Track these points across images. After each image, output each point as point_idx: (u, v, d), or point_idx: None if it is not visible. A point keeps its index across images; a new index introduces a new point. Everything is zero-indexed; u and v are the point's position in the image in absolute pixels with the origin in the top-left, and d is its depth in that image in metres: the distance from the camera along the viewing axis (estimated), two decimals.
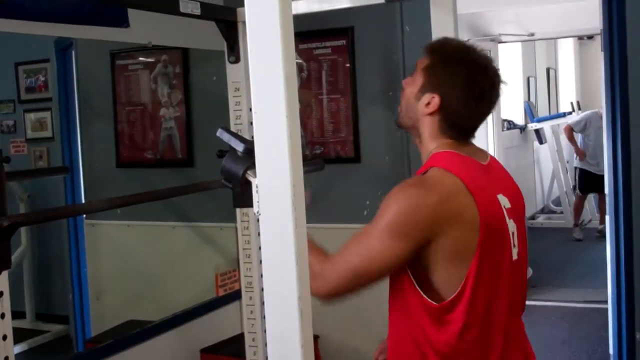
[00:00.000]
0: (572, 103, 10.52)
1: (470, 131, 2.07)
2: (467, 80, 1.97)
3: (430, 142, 2.03)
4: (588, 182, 8.82)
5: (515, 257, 2.00)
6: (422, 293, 1.89)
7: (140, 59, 4.67)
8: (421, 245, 1.83)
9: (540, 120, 10.06)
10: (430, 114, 1.99)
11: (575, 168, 9.15)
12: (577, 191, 9.18)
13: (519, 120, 10.06)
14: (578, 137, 9.03)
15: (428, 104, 1.99)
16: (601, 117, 8.57)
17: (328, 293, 1.87)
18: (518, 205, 2.07)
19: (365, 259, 1.84)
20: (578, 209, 9.13)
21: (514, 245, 1.99)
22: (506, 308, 1.98)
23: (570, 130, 9.02)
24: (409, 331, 1.96)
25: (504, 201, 1.99)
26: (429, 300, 1.88)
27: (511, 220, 1.99)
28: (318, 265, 1.83)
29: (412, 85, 2.05)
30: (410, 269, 1.90)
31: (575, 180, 9.31)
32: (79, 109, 4.83)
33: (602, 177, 8.50)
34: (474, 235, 1.85)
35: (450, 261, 1.86)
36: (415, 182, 1.95)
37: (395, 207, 1.84)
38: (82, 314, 4.48)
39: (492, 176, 2.03)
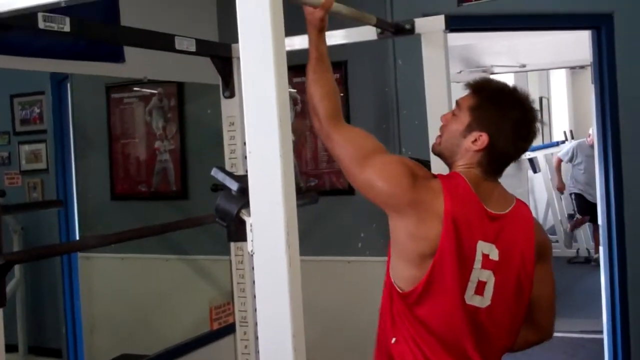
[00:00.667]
0: (565, 132, 10.57)
1: (504, 168, 2.18)
2: (516, 121, 2.09)
3: (459, 167, 2.13)
4: (585, 206, 8.89)
5: (477, 304, 2.07)
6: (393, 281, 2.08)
7: (136, 91, 4.69)
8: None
9: (533, 150, 10.09)
10: (476, 151, 2.09)
11: (571, 194, 9.19)
12: (577, 215, 9.21)
13: None
14: (569, 167, 9.08)
15: (475, 141, 2.08)
16: (590, 146, 8.70)
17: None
18: (513, 263, 2.13)
19: (350, 168, 2.11)
20: (575, 228, 9.19)
21: (478, 293, 2.07)
22: (467, 349, 2.08)
23: (559, 162, 9.11)
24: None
25: (488, 249, 2.06)
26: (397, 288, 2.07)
27: (487, 272, 2.07)
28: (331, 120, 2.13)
29: (456, 123, 2.14)
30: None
31: (573, 206, 9.33)
32: (74, 141, 4.84)
33: (595, 205, 8.63)
34: (428, 256, 2.00)
35: (404, 252, 2.04)
36: (416, 168, 2.09)
37: (387, 172, 2.05)
38: (75, 347, 4.45)
39: (491, 224, 2.09)
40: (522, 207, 2.21)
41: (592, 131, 4.39)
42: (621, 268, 4.13)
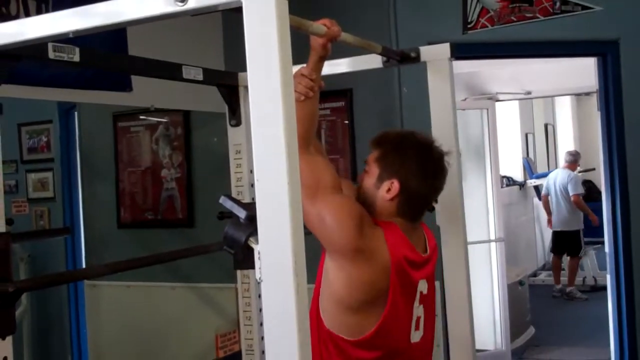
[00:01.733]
0: None
1: (424, 210, 2.25)
2: (420, 160, 2.16)
3: (381, 217, 2.16)
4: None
5: (415, 339, 2.17)
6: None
7: (142, 120, 4.72)
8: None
9: (539, 177, 10.09)
10: (391, 198, 2.14)
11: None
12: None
13: (518, 176, 10.09)
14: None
15: (389, 190, 2.14)
16: (557, 176, 8.74)
17: None
18: (432, 291, 2.24)
19: (304, 202, 2.07)
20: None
21: (416, 329, 2.16)
22: None
23: (546, 199, 9.14)
24: None
25: (421, 287, 2.16)
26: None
27: (421, 306, 2.16)
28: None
29: (368, 177, 2.21)
30: None
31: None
32: (81, 169, 4.87)
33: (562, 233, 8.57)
34: (375, 305, 2.04)
35: (347, 301, 2.05)
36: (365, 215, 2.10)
37: (336, 217, 2.04)
38: None
39: (423, 264, 2.18)
40: (429, 234, 2.31)
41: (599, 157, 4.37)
42: (629, 296, 4.11)
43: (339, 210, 2.03)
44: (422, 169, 2.15)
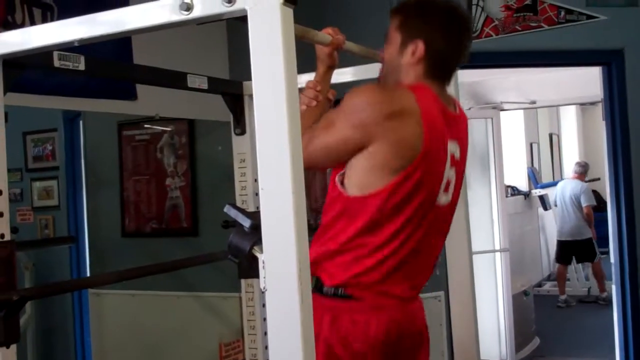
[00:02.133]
0: None
1: (453, 69, 2.21)
2: (443, 19, 2.13)
3: (410, 83, 2.13)
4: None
5: (442, 202, 2.13)
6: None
7: (147, 128, 4.72)
8: (368, 139, 1.98)
9: (544, 186, 10.08)
10: (417, 61, 2.11)
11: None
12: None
13: (523, 186, 10.07)
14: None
15: (413, 53, 2.11)
16: (565, 186, 8.78)
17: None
18: (464, 158, 2.22)
19: (330, 141, 2.04)
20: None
21: (445, 192, 2.13)
22: (428, 243, 2.15)
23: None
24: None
25: (453, 148, 2.13)
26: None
27: (452, 169, 2.13)
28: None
29: (391, 46, 2.18)
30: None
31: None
32: (86, 177, 4.87)
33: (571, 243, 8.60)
34: (406, 160, 1.99)
35: (380, 168, 2.00)
36: (380, 86, 2.13)
37: (353, 100, 2.01)
38: None
39: (453, 123, 2.15)
40: (462, 111, 2.29)
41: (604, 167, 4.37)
42: (634, 307, 4.10)
43: (357, 98, 2.02)
44: (447, 27, 2.12)
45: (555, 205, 9.19)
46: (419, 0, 2.21)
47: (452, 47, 2.14)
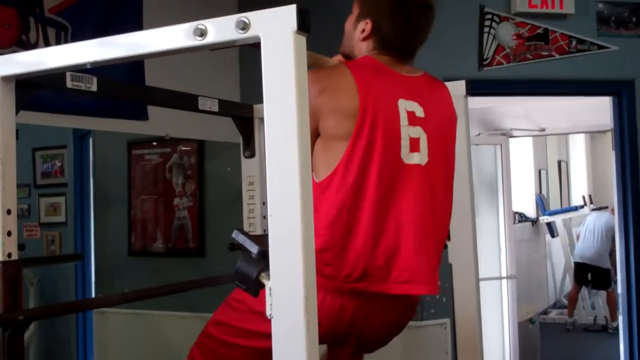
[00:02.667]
0: (583, 197, 10.52)
1: (402, 51, 2.23)
2: (394, 3, 2.18)
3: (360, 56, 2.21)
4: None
5: (415, 161, 2.10)
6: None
7: (156, 148, 4.73)
8: (314, 119, 1.99)
9: (552, 214, 10.05)
10: (365, 38, 2.20)
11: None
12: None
13: (531, 213, 10.05)
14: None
15: (363, 30, 2.20)
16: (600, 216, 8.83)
17: None
18: (439, 119, 2.21)
19: None
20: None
21: (415, 150, 2.10)
22: (413, 207, 2.08)
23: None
24: None
25: (410, 106, 2.11)
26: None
27: (416, 128, 2.11)
28: None
29: (349, 20, 2.27)
30: None
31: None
32: (94, 195, 4.88)
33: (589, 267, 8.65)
34: (350, 122, 2.00)
35: (329, 143, 2.03)
36: (315, 70, 2.17)
37: None
38: None
39: (408, 84, 2.17)
40: (433, 79, 2.29)
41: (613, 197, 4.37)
42: None
43: None
44: (395, 13, 2.17)
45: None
46: None
47: (396, 32, 2.19)
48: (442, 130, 2.21)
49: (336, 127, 2.02)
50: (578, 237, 9.38)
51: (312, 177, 2.01)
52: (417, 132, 2.12)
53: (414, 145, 2.10)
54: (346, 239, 2.01)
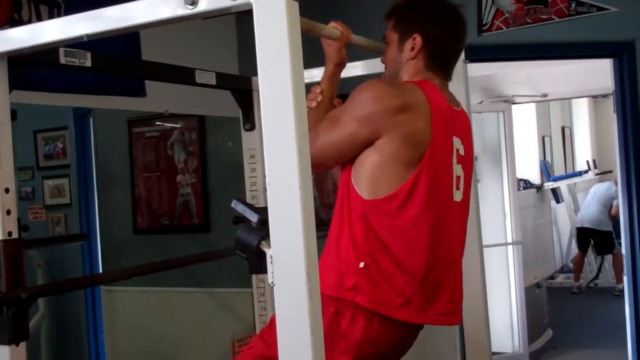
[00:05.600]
0: (587, 161, 10.49)
1: (453, 60, 2.22)
2: (435, 9, 2.16)
3: (412, 78, 2.14)
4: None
5: (457, 198, 2.13)
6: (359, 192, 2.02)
7: (157, 125, 4.72)
8: (376, 133, 1.96)
9: (556, 179, 10.03)
10: (416, 55, 2.14)
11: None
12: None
13: (535, 179, 10.02)
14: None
15: (412, 48, 2.14)
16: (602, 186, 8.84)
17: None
18: (470, 156, 2.22)
19: (334, 138, 2.02)
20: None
21: (457, 188, 2.12)
22: (453, 242, 2.13)
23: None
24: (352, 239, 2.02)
25: (457, 144, 2.12)
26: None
27: (459, 166, 2.12)
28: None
29: (390, 47, 2.21)
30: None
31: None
32: (97, 175, 4.88)
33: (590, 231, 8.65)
34: (416, 151, 1.97)
35: (386, 163, 1.98)
36: (387, 81, 2.14)
37: (360, 95, 2.00)
38: None
39: (456, 119, 2.15)
40: (463, 109, 2.27)
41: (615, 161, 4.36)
42: None
43: (363, 92, 2.01)
44: (440, 17, 2.15)
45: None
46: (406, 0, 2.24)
47: (448, 34, 2.17)
48: (470, 167, 2.23)
49: (400, 153, 1.97)
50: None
51: (353, 187, 2.03)
52: (460, 170, 2.14)
53: (458, 183, 2.13)
54: (396, 265, 2.00)
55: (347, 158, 2.05)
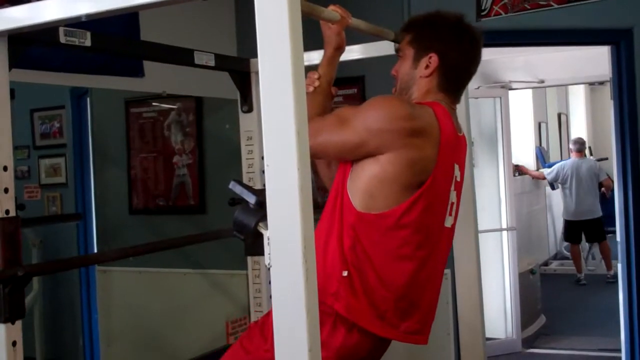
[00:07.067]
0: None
1: (466, 82, 2.23)
2: (454, 31, 2.14)
3: (423, 97, 2.13)
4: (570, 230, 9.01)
5: (448, 224, 2.14)
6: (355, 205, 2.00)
7: (154, 106, 4.72)
8: (383, 148, 1.94)
9: (552, 166, 10.06)
10: (430, 74, 2.12)
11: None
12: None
13: (531, 165, 10.05)
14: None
15: (427, 66, 2.12)
16: (580, 165, 8.70)
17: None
18: (462, 182, 2.21)
19: (340, 139, 2.00)
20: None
21: (450, 214, 2.13)
22: (436, 265, 2.13)
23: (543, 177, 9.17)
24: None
25: (457, 171, 2.13)
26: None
27: (455, 192, 2.13)
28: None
29: (404, 61, 2.18)
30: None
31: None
32: (93, 155, 4.88)
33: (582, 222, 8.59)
34: (418, 176, 1.97)
35: (385, 180, 1.96)
36: (405, 100, 2.09)
37: (376, 107, 1.99)
38: None
39: (458, 146, 2.16)
40: (463, 133, 2.27)
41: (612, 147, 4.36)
42: (639, 285, 4.10)
43: (381, 105, 2.00)
44: (459, 39, 2.13)
45: (564, 184, 9.11)
46: (429, 14, 2.22)
47: (465, 58, 2.16)
48: (461, 191, 2.23)
49: (402, 176, 1.97)
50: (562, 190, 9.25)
51: (347, 195, 2.02)
52: (455, 196, 2.15)
53: (451, 209, 2.14)
54: (378, 280, 2.01)
55: (345, 160, 2.06)
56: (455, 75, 2.16)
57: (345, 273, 1.99)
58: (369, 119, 1.96)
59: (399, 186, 1.97)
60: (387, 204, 1.97)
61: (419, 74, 2.13)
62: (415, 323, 2.08)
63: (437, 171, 1.99)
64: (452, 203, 2.13)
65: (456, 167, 2.13)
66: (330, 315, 1.97)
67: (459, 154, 2.17)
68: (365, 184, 1.99)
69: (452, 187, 2.11)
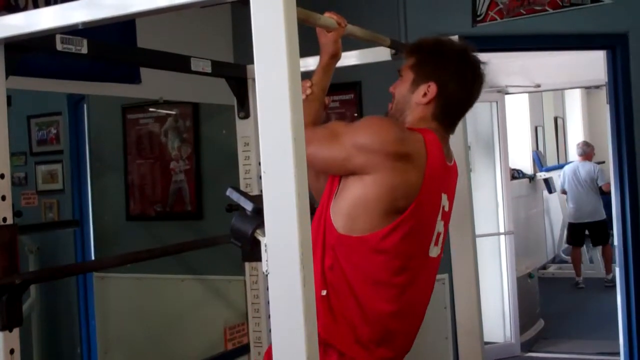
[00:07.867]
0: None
1: (461, 115, 2.21)
2: (458, 64, 2.12)
3: (417, 123, 2.11)
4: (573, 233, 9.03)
5: (433, 254, 2.12)
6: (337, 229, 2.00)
7: (151, 112, 4.72)
8: (369, 168, 1.94)
9: (549, 170, 10.08)
10: (427, 102, 2.10)
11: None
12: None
13: (528, 169, 10.07)
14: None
15: (425, 94, 2.10)
16: (577, 168, 8.72)
17: None
18: (451, 212, 2.19)
19: (328, 153, 2.00)
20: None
21: (435, 244, 2.11)
22: (419, 296, 2.13)
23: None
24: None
25: (444, 201, 2.11)
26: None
27: (441, 222, 2.11)
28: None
29: (403, 84, 2.16)
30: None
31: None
32: (90, 161, 4.87)
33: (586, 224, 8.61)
34: (400, 202, 1.95)
35: (373, 204, 1.95)
36: (397, 124, 2.07)
37: (368, 127, 1.99)
38: None
39: (447, 175, 2.14)
40: (455, 163, 2.25)
41: (608, 151, 4.36)
42: (638, 289, 4.10)
43: (372, 125, 2.00)
44: (461, 73, 2.12)
45: (563, 189, 9.13)
46: (435, 42, 2.21)
47: (463, 93, 2.15)
48: (449, 221, 2.22)
49: (383, 200, 1.96)
50: (564, 193, 9.27)
51: (330, 216, 2.02)
52: (442, 227, 2.14)
53: (437, 239, 2.13)
54: (356, 304, 2.01)
55: (332, 174, 2.06)
56: (452, 107, 2.15)
57: (324, 292, 2.00)
58: (359, 137, 1.96)
59: (381, 210, 1.96)
60: (368, 228, 1.97)
61: (415, 100, 2.12)
62: (389, 351, 2.07)
63: (421, 199, 1.97)
64: (439, 233, 2.12)
65: (444, 196, 2.11)
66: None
67: (448, 184, 2.15)
68: (348, 206, 1.99)
69: (439, 217, 2.10)
